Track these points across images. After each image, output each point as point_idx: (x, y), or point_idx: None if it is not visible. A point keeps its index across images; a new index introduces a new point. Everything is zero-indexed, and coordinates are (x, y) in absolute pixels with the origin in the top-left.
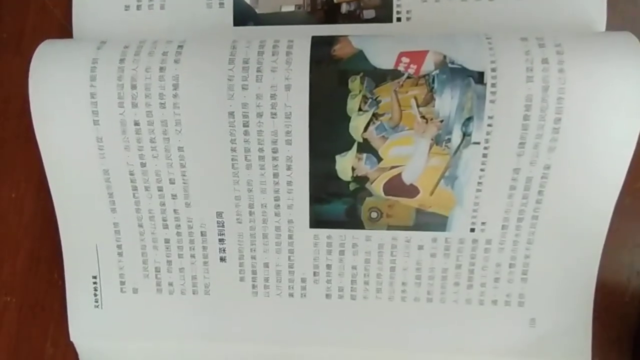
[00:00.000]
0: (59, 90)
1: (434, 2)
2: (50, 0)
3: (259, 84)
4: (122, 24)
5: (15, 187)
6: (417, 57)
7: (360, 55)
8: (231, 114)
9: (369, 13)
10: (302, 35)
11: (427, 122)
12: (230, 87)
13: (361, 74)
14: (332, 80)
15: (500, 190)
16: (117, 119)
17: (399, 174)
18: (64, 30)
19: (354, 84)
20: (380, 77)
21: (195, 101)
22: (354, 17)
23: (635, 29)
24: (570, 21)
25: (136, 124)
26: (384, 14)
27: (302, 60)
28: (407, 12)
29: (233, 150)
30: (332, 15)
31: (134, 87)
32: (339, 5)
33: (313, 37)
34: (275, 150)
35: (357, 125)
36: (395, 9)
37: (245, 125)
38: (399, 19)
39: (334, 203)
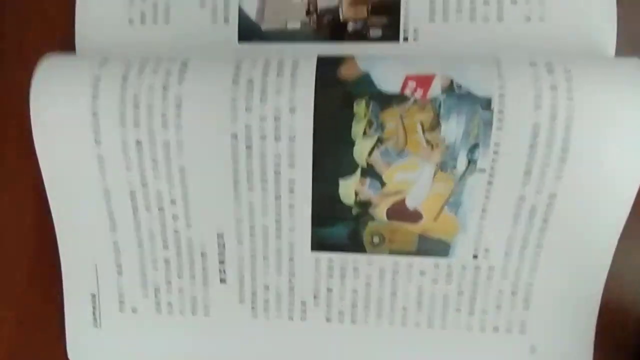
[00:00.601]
0: (61, 107)
1: (441, 22)
2: (52, 11)
3: (263, 106)
4: (125, 37)
5: (15, 203)
6: (424, 81)
7: (366, 78)
8: (234, 135)
9: (375, 32)
10: (308, 53)
11: (432, 148)
12: (233, 109)
13: (367, 97)
14: (337, 104)
15: (504, 218)
16: (119, 138)
17: (403, 199)
18: (67, 42)
19: (360, 107)
20: (386, 101)
21: (198, 122)
22: (360, 36)
23: None
24: (580, 42)
25: (138, 143)
26: (391, 33)
27: (307, 82)
28: (415, 31)
29: (235, 171)
30: (338, 33)
31: (136, 106)
32: (345, 23)
33: (319, 57)
34: (277, 173)
35: (361, 150)
36: (402, 28)
37: (248, 147)
38: (406, 39)
39: (336, 226)
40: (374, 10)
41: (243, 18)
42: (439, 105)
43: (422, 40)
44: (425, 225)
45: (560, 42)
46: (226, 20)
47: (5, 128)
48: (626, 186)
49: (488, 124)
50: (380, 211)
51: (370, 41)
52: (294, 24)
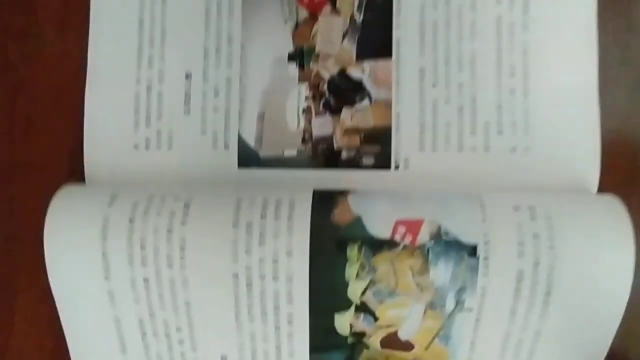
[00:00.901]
0: (73, 244)
1: (431, 152)
2: (62, 136)
3: (261, 249)
4: (131, 162)
5: (27, 323)
6: (413, 226)
7: (358, 223)
8: (235, 275)
9: (368, 160)
10: (304, 185)
11: (422, 290)
12: (234, 252)
13: (359, 242)
14: (331, 248)
15: (493, 350)
16: (128, 275)
17: (395, 331)
18: (75, 158)
19: (352, 252)
20: (377, 246)
21: (201, 263)
22: (353, 163)
23: (627, 189)
24: (564, 174)
25: (145, 280)
26: (383, 162)
27: (303, 226)
28: (405, 160)
29: (237, 305)
30: (332, 160)
31: (143, 247)
32: (339, 151)
33: (314, 193)
34: (277, 307)
35: (354, 290)
36: (393, 157)
37: (249, 285)
38: (397, 167)
39: (333, 353)
40: (366, 139)
41: (242, 145)
42: (428, 252)
43: (412, 168)
44: (417, 353)
45: (544, 174)
46: (226, 146)
47: (18, 247)
48: (607, 324)
49: (474, 269)
50: (374, 341)
51: (363, 169)
52: (291, 152)
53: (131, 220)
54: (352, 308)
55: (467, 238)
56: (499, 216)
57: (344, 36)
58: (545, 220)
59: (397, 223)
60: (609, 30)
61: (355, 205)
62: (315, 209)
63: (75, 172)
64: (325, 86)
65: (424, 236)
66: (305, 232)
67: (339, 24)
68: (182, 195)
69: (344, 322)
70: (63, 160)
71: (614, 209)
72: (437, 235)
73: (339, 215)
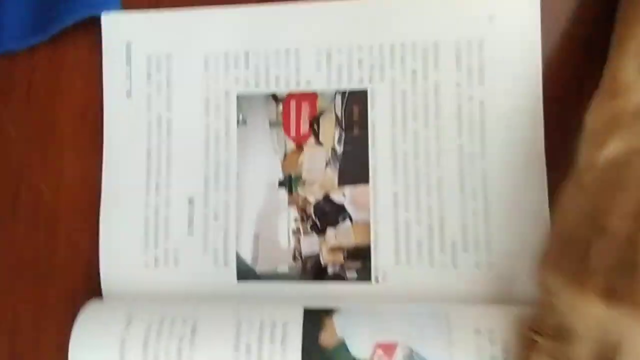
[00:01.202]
0: None
1: (405, 266)
2: (79, 254)
3: None
4: (143, 277)
5: None
6: (389, 349)
7: (343, 346)
8: None
9: (351, 274)
10: (295, 293)
11: None
12: None
13: None
14: None
15: None
16: None
17: None
18: (93, 264)
19: None
20: None
21: None
22: (338, 277)
23: None
24: (525, 288)
25: None
26: (364, 275)
27: (295, 349)
28: (384, 273)
29: None
30: (320, 275)
31: None
32: (325, 266)
33: (305, 311)
34: None
35: None
36: (373, 271)
37: None
38: (377, 279)
39: None
40: (349, 256)
41: (240, 262)
42: None
43: (390, 281)
44: None
45: (506, 288)
46: (226, 263)
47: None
48: None
49: None
50: None
51: (347, 281)
52: (283, 268)
53: (145, 344)
54: None
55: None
56: (462, 340)
57: (326, 165)
58: (503, 343)
59: (377, 346)
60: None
61: (340, 327)
62: (306, 331)
63: (93, 284)
64: (312, 209)
65: (398, 358)
66: (297, 354)
67: (322, 154)
68: (189, 319)
69: None
70: (82, 273)
71: None
72: (410, 358)
73: (326, 339)
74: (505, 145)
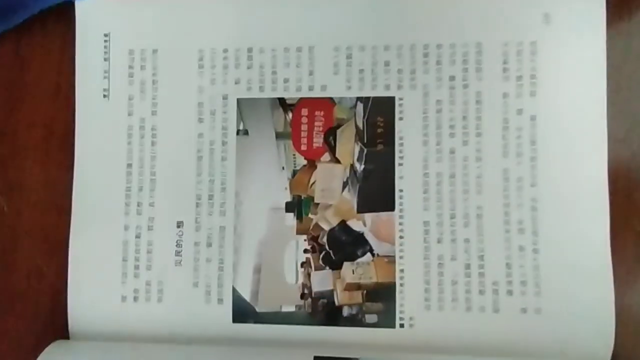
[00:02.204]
0: None
1: (437, 311)
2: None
3: None
4: (118, 314)
5: None
6: None
7: None
8: None
9: (371, 317)
10: (303, 340)
11: None
12: None
13: None
14: None
15: None
16: None
17: None
18: (58, 293)
19: None
20: None
21: None
22: (356, 321)
23: None
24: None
25: None
26: (387, 320)
27: None
28: (410, 319)
29: None
30: (333, 317)
31: None
32: (340, 308)
33: (315, 359)
34: None
35: None
36: (398, 315)
37: None
38: (402, 325)
39: None
40: (369, 296)
41: (237, 299)
42: None
43: (418, 327)
44: None
45: (556, 338)
46: (220, 301)
47: None
48: None
49: None
50: None
51: (365, 327)
52: (289, 307)
53: None
54: None
55: None
56: None
57: (344, 186)
58: None
59: None
60: (619, 187)
61: None
62: None
63: (58, 317)
64: (325, 238)
65: None
66: None
67: (338, 173)
68: None
69: None
70: (45, 303)
71: None
72: None
73: None
74: (561, 169)
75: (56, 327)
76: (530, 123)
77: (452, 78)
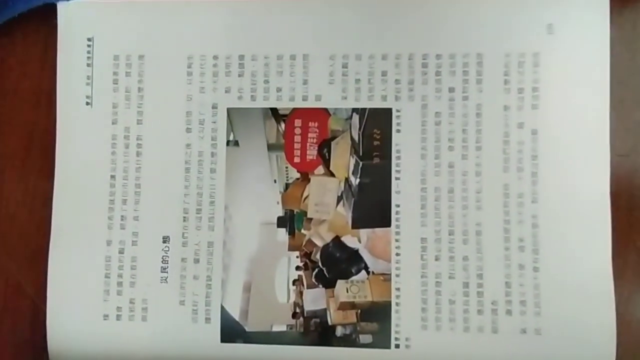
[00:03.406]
0: None
1: (434, 331)
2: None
3: None
4: (100, 334)
5: None
6: None
7: None
8: None
9: (365, 338)
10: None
11: None
12: None
13: None
14: None
15: None
16: None
17: None
18: (36, 309)
19: None
20: None
21: None
22: (349, 341)
23: None
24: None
25: None
26: (382, 340)
27: None
28: (406, 339)
29: None
30: (325, 337)
31: None
32: (334, 327)
33: None
34: None
35: None
36: (393, 336)
37: None
38: (397, 346)
39: None
40: (364, 316)
41: (225, 318)
42: None
43: (414, 348)
44: None
45: (557, 357)
46: (207, 320)
47: None
48: None
49: None
50: None
51: (359, 347)
52: (280, 327)
53: None
54: None
55: None
56: None
57: (338, 200)
58: None
59: None
60: (621, 204)
61: None
62: None
63: (36, 334)
64: (318, 255)
65: None
66: None
67: (333, 186)
68: None
69: None
70: (23, 320)
71: None
72: None
73: None
74: (562, 185)
75: (35, 346)
76: (532, 137)
77: (451, 89)
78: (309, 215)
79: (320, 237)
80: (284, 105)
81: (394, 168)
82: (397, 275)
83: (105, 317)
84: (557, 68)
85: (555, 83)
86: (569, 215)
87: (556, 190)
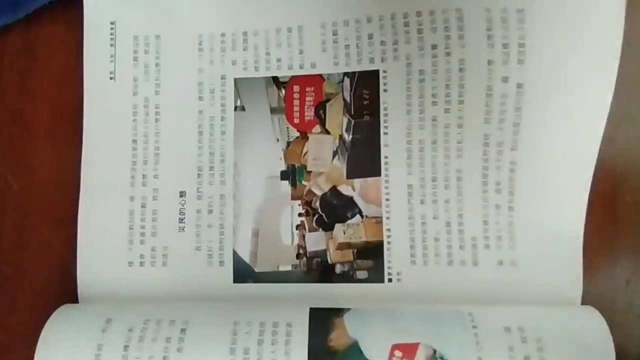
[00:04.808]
0: None
1: (422, 265)
2: (55, 244)
3: None
4: (126, 278)
5: None
6: (409, 350)
7: (355, 348)
8: None
9: (362, 274)
10: (299, 296)
11: None
12: None
13: None
14: None
15: None
16: None
17: None
18: (67, 272)
19: None
20: None
21: None
22: (347, 277)
23: (608, 300)
24: (549, 285)
25: None
26: (376, 275)
27: (300, 352)
28: (398, 274)
29: None
30: (326, 275)
31: None
32: (333, 266)
33: (311, 311)
34: None
35: None
36: (386, 271)
37: None
38: (390, 280)
39: None
40: (360, 254)
41: (237, 261)
42: None
43: (405, 282)
44: None
45: (530, 287)
46: (221, 263)
47: None
48: None
49: None
50: None
51: (357, 282)
52: (286, 267)
53: (125, 348)
54: None
55: None
56: (491, 339)
57: (334, 155)
58: (536, 342)
59: (394, 347)
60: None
61: (351, 328)
62: (312, 332)
63: (66, 286)
64: (318, 203)
65: (420, 359)
66: (303, 358)
67: (328, 143)
68: (178, 319)
69: None
70: (54, 274)
71: (597, 325)
72: (433, 359)
73: (336, 340)
74: (545, 136)
75: (65, 296)
76: (517, 90)
77: (434, 47)
78: (308, 169)
79: (319, 187)
80: (284, 73)
81: (382, 124)
82: (388, 218)
83: (130, 263)
84: (544, 25)
85: (542, 39)
86: (547, 163)
87: (537, 139)
